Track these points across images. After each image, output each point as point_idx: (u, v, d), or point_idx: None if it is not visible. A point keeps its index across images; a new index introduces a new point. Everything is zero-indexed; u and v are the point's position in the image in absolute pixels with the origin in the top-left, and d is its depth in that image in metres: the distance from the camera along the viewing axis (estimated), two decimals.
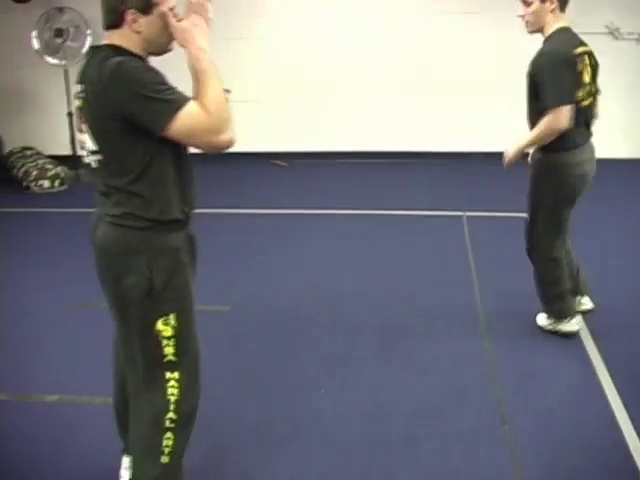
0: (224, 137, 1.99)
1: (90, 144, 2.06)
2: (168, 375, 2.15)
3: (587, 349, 3.47)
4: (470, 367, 3.37)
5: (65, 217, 5.88)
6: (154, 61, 2.12)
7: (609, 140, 6.05)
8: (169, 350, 2.13)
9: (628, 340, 3.58)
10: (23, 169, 6.81)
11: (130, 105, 1.92)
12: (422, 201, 5.98)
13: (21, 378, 3.40)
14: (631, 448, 2.73)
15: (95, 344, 3.65)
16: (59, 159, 7.06)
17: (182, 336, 2.14)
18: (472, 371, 3.33)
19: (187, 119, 1.93)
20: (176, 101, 1.94)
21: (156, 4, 2.00)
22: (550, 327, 3.59)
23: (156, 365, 2.15)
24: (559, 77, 3.14)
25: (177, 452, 2.23)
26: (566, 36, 3.25)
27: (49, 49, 6.78)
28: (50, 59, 6.82)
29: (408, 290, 4.25)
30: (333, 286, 4.34)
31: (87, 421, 3.03)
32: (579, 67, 3.20)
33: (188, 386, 2.20)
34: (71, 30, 6.72)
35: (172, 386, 2.16)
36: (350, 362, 3.45)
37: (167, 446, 2.20)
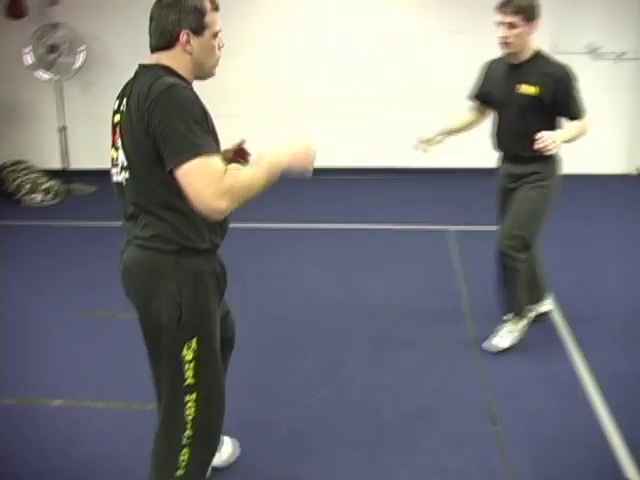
0: (217, 205, 1.89)
1: (123, 159, 2.05)
2: (187, 398, 2.17)
3: (572, 354, 3.63)
4: (460, 372, 3.50)
5: (58, 230, 5.99)
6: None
7: (588, 156, 6.28)
8: (189, 373, 2.14)
9: (610, 345, 3.75)
10: (15, 183, 6.87)
11: (160, 127, 1.90)
12: (410, 215, 6.13)
13: (26, 383, 3.47)
14: (613, 445, 2.87)
15: (96, 351, 3.77)
16: (51, 173, 7.13)
17: (201, 359, 2.15)
18: (462, 375, 3.46)
19: (198, 169, 1.87)
20: (200, 147, 1.89)
21: (207, 26, 2.04)
22: (522, 330, 3.74)
23: (178, 389, 2.16)
24: (578, 90, 3.38)
25: (194, 466, 2.25)
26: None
27: (43, 64, 6.87)
28: (43, 74, 6.91)
29: (399, 300, 4.39)
30: (326, 296, 4.47)
31: (90, 425, 3.11)
32: None
33: (205, 406, 2.20)
34: (65, 46, 6.81)
35: (189, 407, 2.17)
36: (345, 367, 3.57)
37: (183, 461, 2.22)
